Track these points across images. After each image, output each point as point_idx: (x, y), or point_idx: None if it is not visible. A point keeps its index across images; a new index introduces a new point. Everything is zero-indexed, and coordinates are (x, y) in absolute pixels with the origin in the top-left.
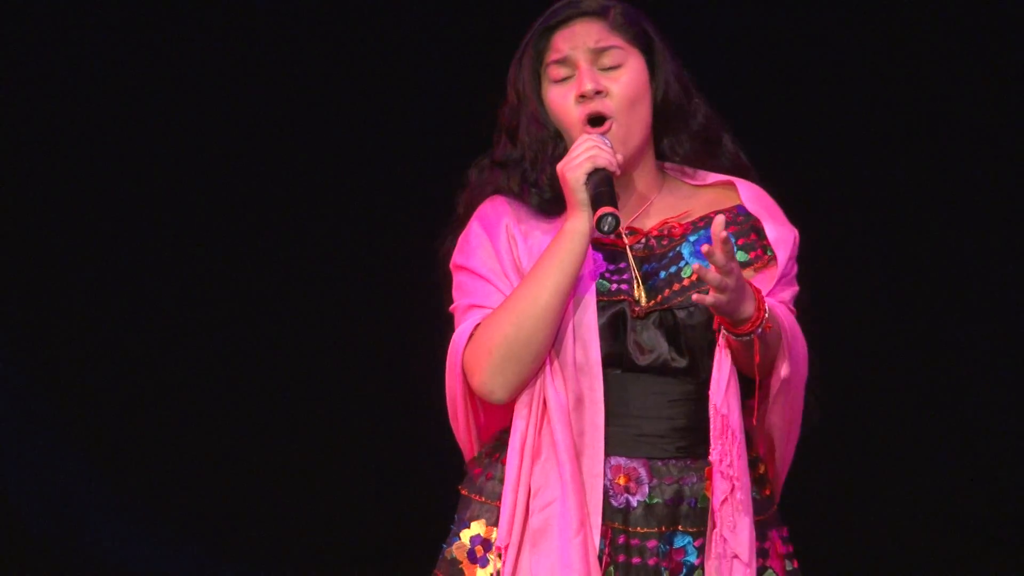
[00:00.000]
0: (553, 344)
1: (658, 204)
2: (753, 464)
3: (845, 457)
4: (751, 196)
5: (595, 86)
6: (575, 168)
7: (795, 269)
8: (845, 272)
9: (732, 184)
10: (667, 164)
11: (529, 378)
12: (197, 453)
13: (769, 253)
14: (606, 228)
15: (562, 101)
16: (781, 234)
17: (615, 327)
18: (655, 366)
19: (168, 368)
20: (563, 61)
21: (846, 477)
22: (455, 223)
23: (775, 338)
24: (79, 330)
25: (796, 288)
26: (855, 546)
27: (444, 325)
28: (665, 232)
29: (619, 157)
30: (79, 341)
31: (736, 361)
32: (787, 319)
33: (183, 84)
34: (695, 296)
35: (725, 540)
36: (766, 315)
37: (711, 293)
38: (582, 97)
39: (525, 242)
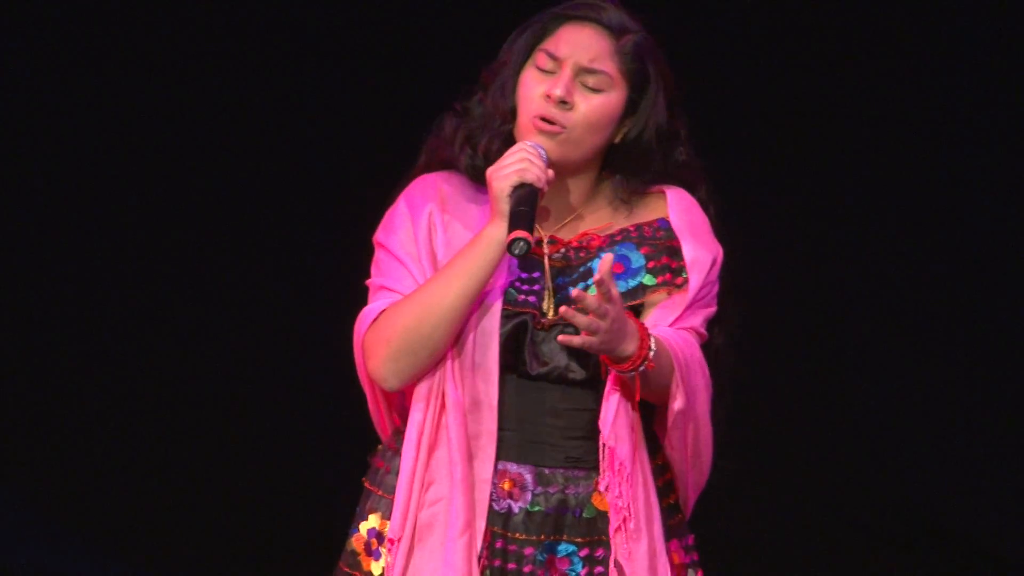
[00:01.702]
0: (454, 344)
1: (585, 213)
2: (659, 471)
3: (750, 463)
4: (679, 209)
5: (564, 95)
6: (502, 178)
7: (715, 289)
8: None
9: (663, 194)
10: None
11: (422, 372)
12: (107, 459)
13: (683, 276)
14: (516, 251)
15: (530, 87)
16: (699, 256)
17: (516, 336)
18: (550, 376)
19: (78, 375)
20: (554, 57)
21: (751, 483)
22: (415, 170)
23: (664, 373)
24: None
25: (711, 309)
26: (759, 552)
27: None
28: (584, 243)
29: (550, 173)
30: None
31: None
32: (684, 351)
33: (177, 84)
34: (560, 338)
35: (620, 565)
36: (649, 354)
37: (581, 334)
38: (547, 97)
39: (444, 232)
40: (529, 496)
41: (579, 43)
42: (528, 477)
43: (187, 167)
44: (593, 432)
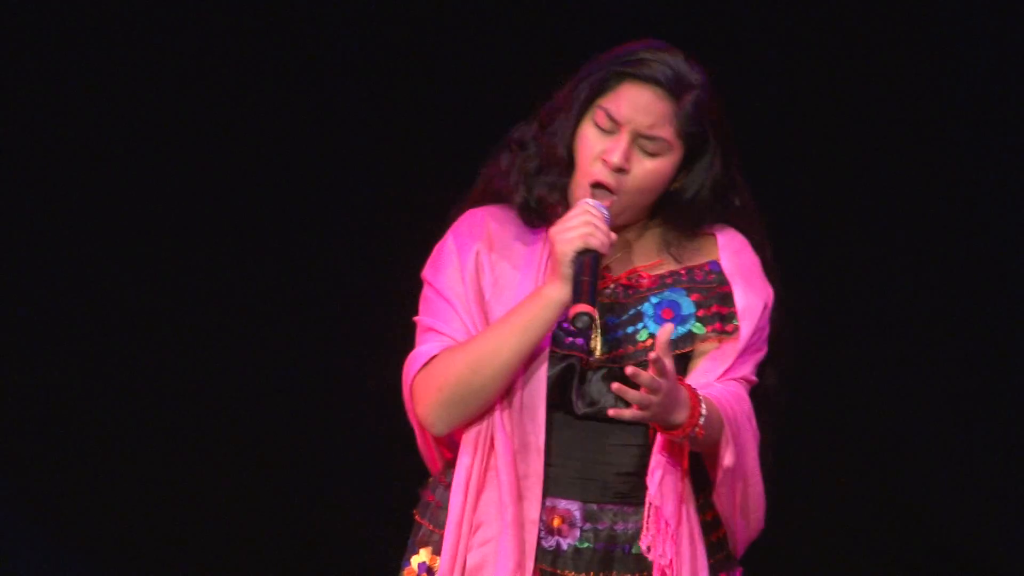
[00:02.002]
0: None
1: (635, 248)
2: (709, 527)
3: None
4: (730, 252)
5: (621, 163)
6: (567, 242)
7: (766, 331)
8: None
9: (714, 236)
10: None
11: (471, 421)
12: (112, 469)
13: (734, 323)
14: (579, 326)
15: (589, 147)
16: (750, 303)
17: (564, 379)
18: (598, 416)
19: (79, 381)
20: (613, 120)
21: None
22: (469, 200)
23: (713, 434)
24: None
25: (762, 353)
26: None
27: (410, 333)
28: (633, 281)
29: (612, 236)
30: None
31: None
32: (735, 408)
33: (174, 84)
34: (611, 412)
35: None
36: (700, 420)
37: (632, 408)
38: (604, 163)
39: (492, 272)
40: (578, 532)
41: (639, 107)
42: (577, 513)
43: (234, 184)
44: (641, 468)
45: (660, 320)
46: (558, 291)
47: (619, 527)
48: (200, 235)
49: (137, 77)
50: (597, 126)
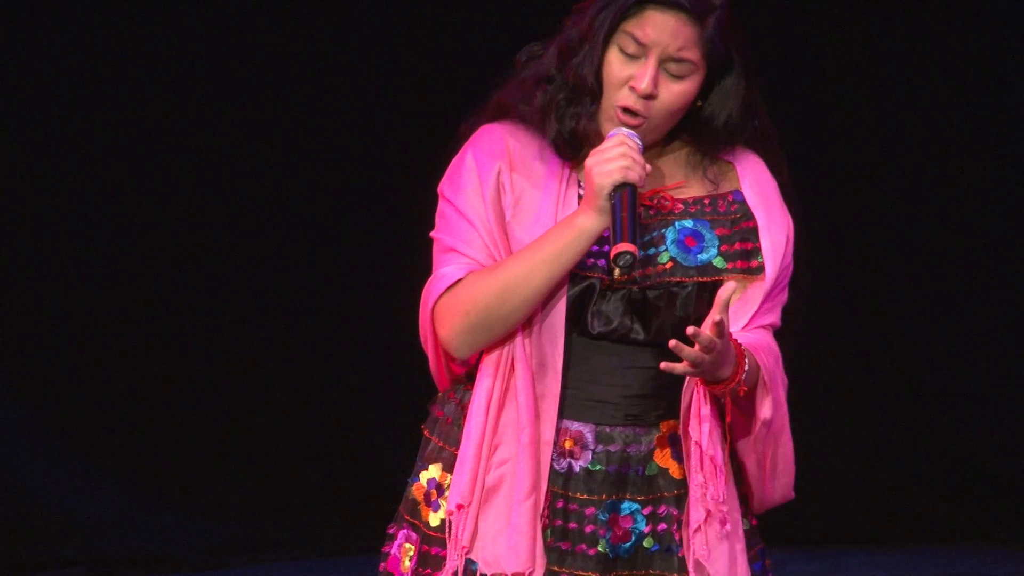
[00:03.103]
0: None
1: (657, 166)
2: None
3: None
4: (750, 180)
5: (650, 89)
6: (605, 175)
7: (790, 270)
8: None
9: (733, 165)
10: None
11: (494, 343)
12: (143, 401)
13: (759, 260)
14: (621, 264)
15: (617, 73)
16: (774, 239)
17: (581, 299)
18: (611, 336)
19: (104, 321)
20: (640, 44)
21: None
22: (485, 108)
23: (752, 387)
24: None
25: (785, 296)
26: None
27: (422, 253)
28: (655, 203)
29: (648, 168)
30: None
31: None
32: (769, 360)
33: (173, 86)
34: (663, 365)
35: (702, 565)
36: (743, 376)
37: (684, 363)
38: (632, 88)
39: (513, 192)
40: (590, 455)
41: (664, 31)
42: (589, 436)
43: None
44: (653, 390)
45: (683, 246)
46: (592, 221)
47: (631, 449)
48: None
49: (142, 79)
50: (623, 52)
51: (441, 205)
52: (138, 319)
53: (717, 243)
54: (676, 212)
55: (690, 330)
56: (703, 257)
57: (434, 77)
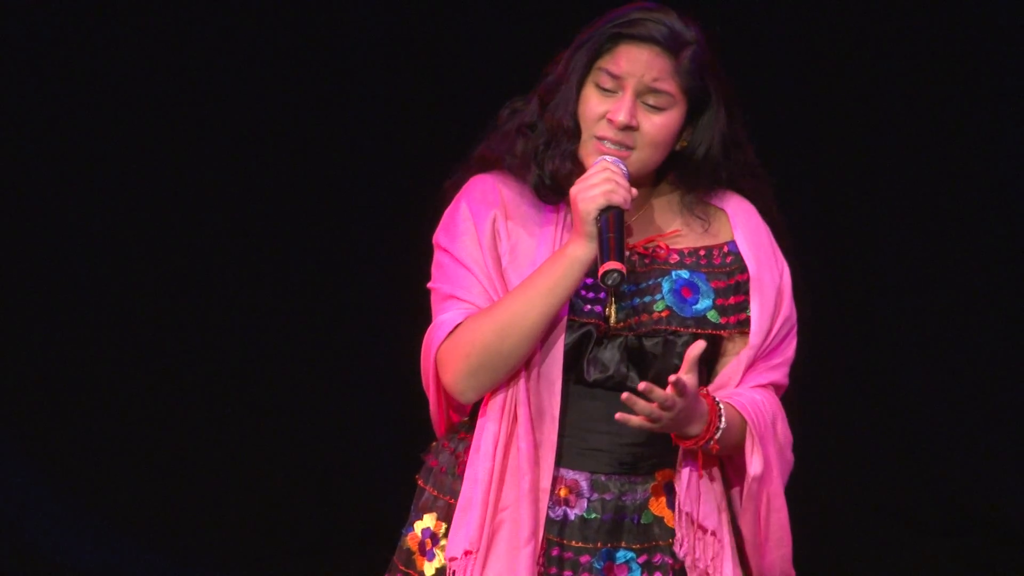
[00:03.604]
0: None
1: (650, 214)
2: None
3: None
4: (743, 230)
5: (628, 120)
6: (589, 200)
7: (791, 324)
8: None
9: (725, 212)
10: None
11: (499, 384)
12: (138, 447)
13: (747, 313)
14: (610, 283)
15: (594, 109)
16: (763, 300)
17: (579, 347)
18: (607, 384)
19: (107, 364)
20: (615, 76)
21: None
22: (468, 163)
23: (734, 443)
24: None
25: (789, 355)
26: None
27: (418, 300)
28: (650, 251)
29: (633, 192)
30: (15, 338)
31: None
32: (760, 419)
33: (171, 85)
34: (618, 416)
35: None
36: (716, 435)
37: (640, 418)
38: (610, 121)
39: (508, 239)
40: (585, 503)
41: (639, 64)
42: (584, 484)
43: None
44: (648, 438)
45: (679, 296)
46: (582, 249)
47: (627, 498)
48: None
49: (144, 79)
50: (599, 88)
51: (437, 256)
52: (127, 360)
53: (713, 296)
54: (672, 262)
55: (642, 386)
56: (698, 308)
57: (436, 86)
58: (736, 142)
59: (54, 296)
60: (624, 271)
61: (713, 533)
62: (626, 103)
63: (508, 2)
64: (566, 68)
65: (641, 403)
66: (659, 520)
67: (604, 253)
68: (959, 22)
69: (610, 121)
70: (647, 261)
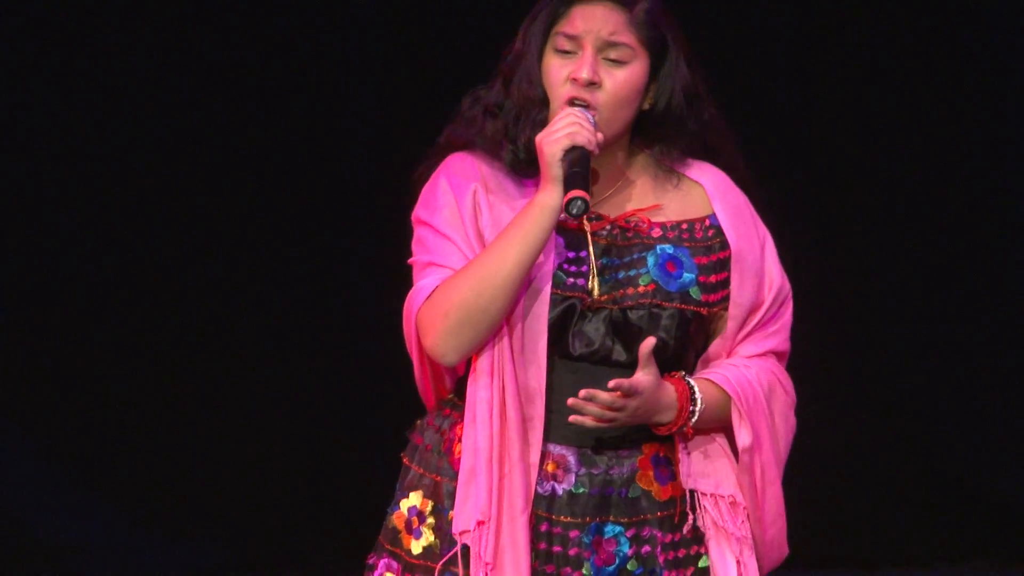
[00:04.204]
0: (507, 329)
1: (627, 188)
2: None
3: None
4: (721, 203)
5: (591, 76)
6: (553, 143)
7: (780, 289)
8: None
9: (701, 185)
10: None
11: (481, 345)
12: (130, 425)
13: (728, 289)
14: (574, 211)
15: (557, 73)
16: (743, 271)
17: (563, 320)
18: (593, 358)
19: (99, 343)
20: (572, 37)
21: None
22: (434, 150)
23: (715, 420)
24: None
25: (786, 319)
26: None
27: (404, 277)
28: (632, 224)
29: (599, 135)
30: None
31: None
32: (748, 392)
33: (170, 85)
34: (572, 418)
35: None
36: (690, 421)
37: (591, 418)
38: (574, 80)
39: (491, 212)
40: (573, 478)
41: (595, 20)
42: (571, 459)
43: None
44: None
45: (664, 270)
46: (551, 196)
47: (614, 471)
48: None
49: (144, 78)
50: (559, 51)
51: (417, 231)
52: (122, 343)
53: (696, 271)
54: (654, 236)
55: (581, 393)
56: (683, 282)
57: (426, 80)
58: (697, 94)
59: (55, 296)
60: (588, 198)
61: (732, 501)
62: (587, 59)
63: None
64: (523, 42)
65: (589, 406)
66: (647, 493)
67: (568, 184)
68: (959, 22)
69: (574, 80)
70: (629, 235)
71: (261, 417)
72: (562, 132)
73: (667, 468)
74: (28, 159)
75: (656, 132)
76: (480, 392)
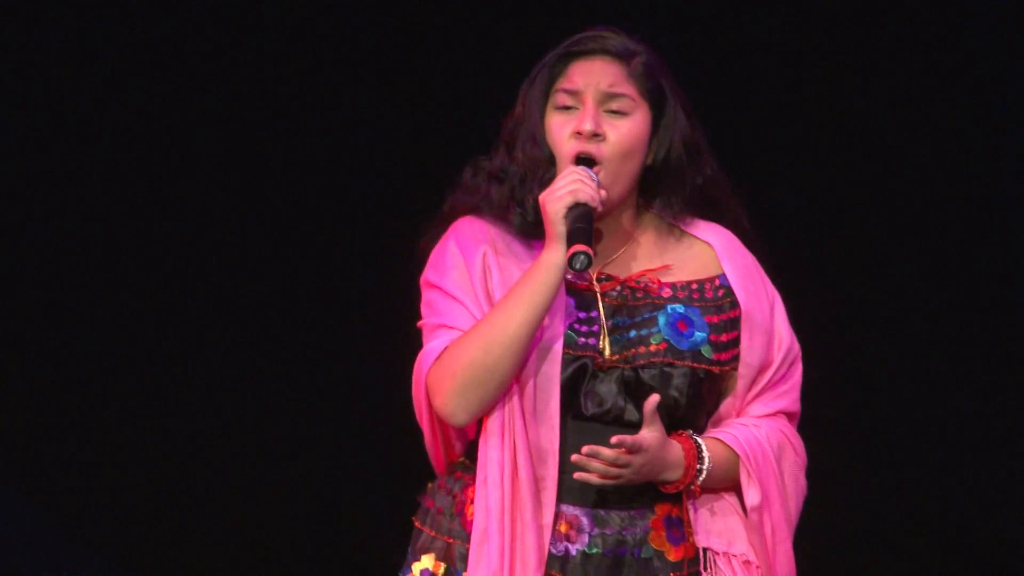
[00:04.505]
0: (518, 388)
1: (636, 249)
2: None
3: None
4: (731, 263)
5: (594, 128)
6: (556, 200)
7: (789, 350)
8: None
9: (710, 246)
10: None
11: (490, 406)
12: (122, 470)
13: (738, 348)
14: (578, 266)
15: (560, 130)
16: (754, 333)
17: (575, 380)
18: (605, 418)
19: (92, 381)
20: (572, 92)
21: None
22: (439, 219)
23: (723, 479)
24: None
25: (795, 379)
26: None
27: (411, 341)
28: (642, 285)
29: (602, 193)
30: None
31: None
32: (757, 451)
33: (173, 83)
34: (577, 475)
35: None
36: (698, 480)
37: (596, 475)
38: (578, 134)
39: (501, 274)
40: (586, 538)
41: (593, 74)
42: (584, 519)
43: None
44: None
45: (675, 329)
46: (556, 254)
47: (627, 532)
48: (212, 231)
49: (144, 78)
50: (560, 108)
51: (426, 294)
52: (128, 392)
53: (707, 331)
54: (665, 296)
55: (585, 449)
56: (694, 341)
57: (429, 86)
58: (697, 147)
59: (57, 306)
60: (591, 253)
61: (746, 560)
62: (589, 112)
63: (512, 11)
64: (524, 105)
65: (593, 463)
66: (659, 554)
67: (572, 240)
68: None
69: (578, 134)
70: (639, 295)
71: (269, 484)
72: (565, 190)
73: (679, 529)
74: (29, 161)
75: (657, 187)
76: (491, 452)
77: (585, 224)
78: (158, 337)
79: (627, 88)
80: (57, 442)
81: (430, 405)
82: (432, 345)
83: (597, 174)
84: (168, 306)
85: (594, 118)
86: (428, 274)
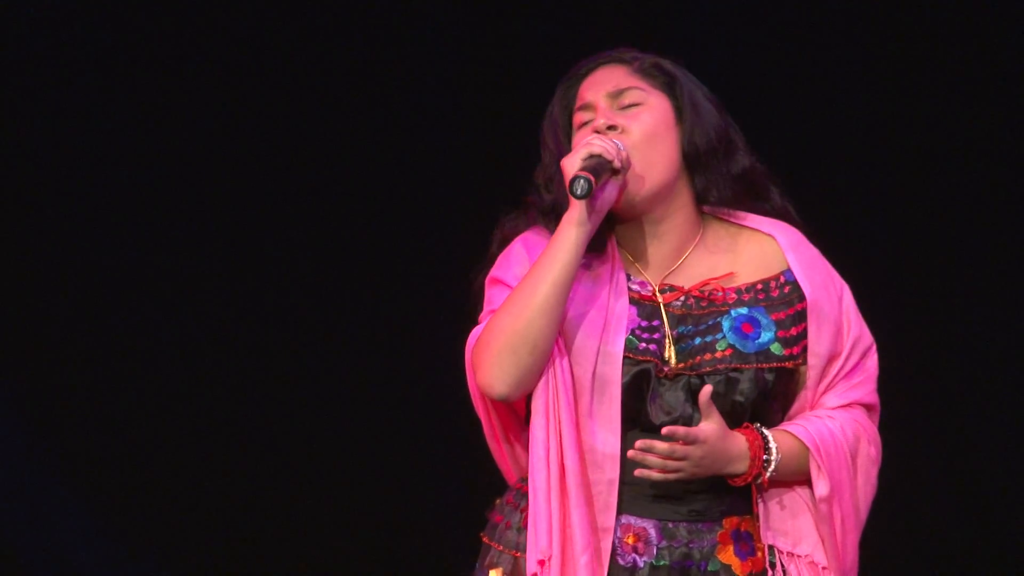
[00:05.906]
0: (554, 344)
1: (696, 255)
2: None
3: None
4: (795, 254)
5: (608, 121)
6: (571, 156)
7: (861, 341)
8: None
9: (773, 238)
10: (705, 207)
11: (527, 377)
12: (183, 478)
13: (804, 341)
14: (577, 191)
15: (583, 138)
16: (822, 322)
17: (638, 386)
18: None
19: (151, 390)
20: (586, 107)
21: None
22: (488, 261)
23: (794, 472)
24: (56, 354)
25: (870, 370)
26: None
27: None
28: (706, 294)
29: (623, 153)
30: (57, 365)
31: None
32: (827, 444)
33: (180, 84)
34: (637, 472)
35: None
36: (767, 471)
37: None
38: (595, 132)
39: None
40: (654, 550)
41: (598, 81)
42: (652, 531)
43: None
44: (715, 484)
45: (740, 333)
46: (576, 212)
47: (694, 545)
48: (250, 241)
49: (147, 79)
50: (579, 126)
51: (488, 291)
52: (157, 392)
53: (774, 328)
54: (729, 302)
55: (638, 443)
56: (761, 342)
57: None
58: (730, 138)
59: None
60: (592, 180)
61: (811, 562)
62: (601, 111)
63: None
64: (551, 139)
65: (650, 457)
66: (726, 568)
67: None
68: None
69: (595, 132)
70: (704, 304)
71: (337, 502)
72: (580, 146)
73: (748, 543)
74: (29, 161)
75: (703, 180)
76: (537, 451)
77: (595, 162)
78: (235, 357)
79: (634, 82)
80: (115, 447)
81: (480, 392)
82: (477, 328)
83: (626, 165)
84: (244, 319)
85: (607, 114)
86: (493, 272)
